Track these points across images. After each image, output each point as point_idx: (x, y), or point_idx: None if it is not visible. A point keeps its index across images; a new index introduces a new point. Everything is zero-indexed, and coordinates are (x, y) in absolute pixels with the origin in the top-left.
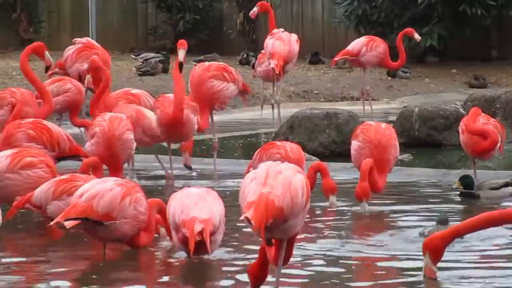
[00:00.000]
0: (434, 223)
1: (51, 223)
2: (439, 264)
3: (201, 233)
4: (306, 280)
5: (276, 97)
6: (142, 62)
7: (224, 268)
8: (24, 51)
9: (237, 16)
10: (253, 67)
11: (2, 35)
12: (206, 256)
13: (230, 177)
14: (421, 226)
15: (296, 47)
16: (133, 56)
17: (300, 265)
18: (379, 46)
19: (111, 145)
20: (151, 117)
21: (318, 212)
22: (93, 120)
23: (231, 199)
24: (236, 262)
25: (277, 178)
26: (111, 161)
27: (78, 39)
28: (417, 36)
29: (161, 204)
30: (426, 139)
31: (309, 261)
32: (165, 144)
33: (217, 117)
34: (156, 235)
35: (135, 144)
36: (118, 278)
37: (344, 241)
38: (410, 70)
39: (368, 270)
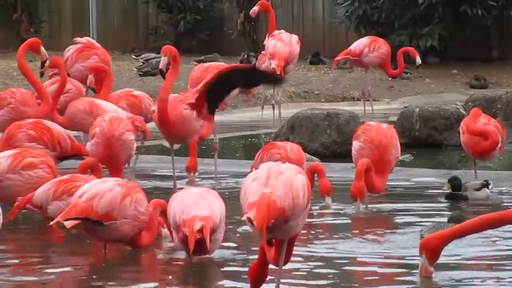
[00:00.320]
0: (431, 223)
1: (51, 222)
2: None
3: (200, 231)
4: (306, 280)
5: (276, 97)
6: (143, 62)
7: (224, 268)
8: (20, 49)
9: (237, 17)
10: None
11: (2, 35)
12: (206, 256)
13: (231, 177)
14: (421, 226)
15: (297, 48)
16: (134, 57)
17: (300, 264)
18: (382, 47)
19: (111, 146)
20: (106, 107)
21: (316, 212)
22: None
23: (231, 199)
24: (236, 262)
25: (278, 178)
26: (111, 161)
27: (78, 39)
28: (418, 60)
29: (165, 205)
30: (426, 139)
31: (309, 261)
32: (166, 144)
33: (218, 118)
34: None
35: (135, 144)
36: (119, 279)
37: (344, 241)
38: (411, 71)
39: (368, 270)
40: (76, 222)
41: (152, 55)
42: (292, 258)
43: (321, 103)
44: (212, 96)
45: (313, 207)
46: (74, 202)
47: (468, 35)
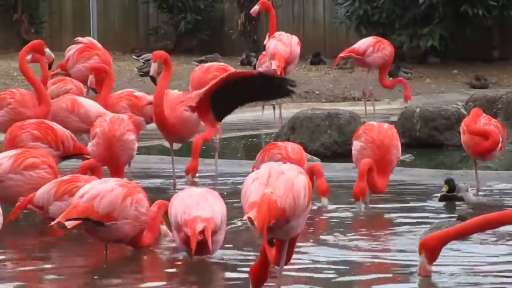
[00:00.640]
0: (435, 223)
1: (52, 223)
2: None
3: (202, 232)
4: (307, 280)
5: None
6: (143, 62)
7: (225, 268)
8: (22, 50)
9: (238, 17)
10: (254, 67)
11: (3, 35)
12: (207, 256)
13: (231, 177)
14: (422, 226)
15: (297, 49)
16: (135, 57)
17: (300, 265)
18: (386, 48)
19: (112, 146)
20: (88, 105)
21: (316, 212)
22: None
23: (232, 200)
24: (237, 263)
25: (279, 178)
26: (111, 161)
27: (80, 38)
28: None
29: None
30: (427, 139)
31: (309, 261)
32: (167, 144)
33: None
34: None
35: (136, 144)
36: (120, 279)
37: (344, 240)
38: (411, 71)
39: (368, 270)
40: (77, 222)
41: None
42: (293, 258)
43: (322, 103)
44: (219, 104)
45: (313, 207)
46: (75, 202)
47: (468, 35)
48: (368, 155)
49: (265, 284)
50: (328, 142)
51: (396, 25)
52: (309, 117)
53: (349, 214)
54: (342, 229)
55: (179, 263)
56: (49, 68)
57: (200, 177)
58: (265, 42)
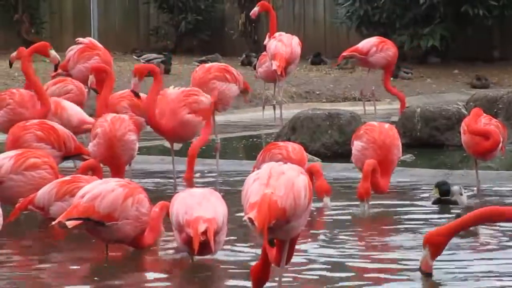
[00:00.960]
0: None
1: (53, 222)
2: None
3: (205, 233)
4: (307, 280)
5: (278, 98)
6: (144, 63)
7: (226, 268)
8: (27, 51)
9: (238, 17)
10: (254, 68)
11: (3, 36)
12: (208, 257)
13: (232, 177)
14: (422, 226)
15: (297, 49)
16: (135, 57)
17: (300, 265)
18: (389, 49)
19: (113, 146)
20: (71, 110)
21: (316, 212)
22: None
23: (233, 200)
24: (238, 263)
25: (280, 178)
26: (112, 162)
27: (80, 39)
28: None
29: None
30: (428, 139)
31: (310, 261)
32: (167, 144)
33: (219, 118)
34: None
35: (137, 144)
36: (120, 279)
37: (344, 240)
38: (412, 71)
39: (368, 269)
40: (78, 222)
41: (153, 55)
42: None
43: (323, 103)
44: None
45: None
46: (76, 202)
47: (469, 35)
48: (369, 155)
49: (266, 284)
50: (328, 142)
51: (396, 25)
52: (310, 117)
53: (349, 214)
54: (343, 229)
55: (180, 263)
56: (55, 69)
57: (200, 177)
58: (265, 42)
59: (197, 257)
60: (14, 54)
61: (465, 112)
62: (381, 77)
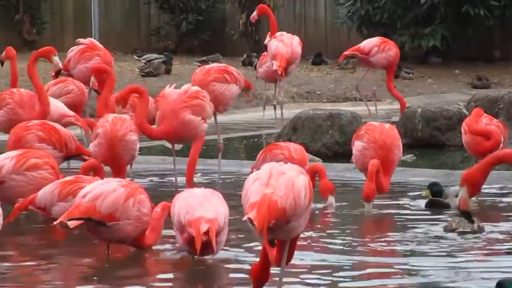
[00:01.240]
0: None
1: (55, 222)
2: None
3: (207, 233)
4: (307, 280)
5: (278, 98)
6: (145, 63)
7: (227, 268)
8: (32, 55)
9: (239, 17)
10: (255, 68)
11: (4, 36)
12: (208, 257)
13: (233, 177)
14: (422, 226)
15: (298, 49)
16: (136, 57)
17: (301, 265)
18: (391, 50)
19: (114, 146)
20: (53, 106)
21: (317, 212)
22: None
23: (234, 200)
24: (238, 263)
25: (280, 178)
26: (114, 162)
27: (81, 40)
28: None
29: None
30: (429, 139)
31: (310, 261)
32: (168, 145)
33: (220, 118)
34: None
35: (138, 145)
36: (121, 279)
37: (344, 240)
38: (413, 71)
39: (368, 269)
40: (79, 222)
41: (154, 55)
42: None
43: (323, 103)
44: None
45: (313, 208)
46: (78, 202)
47: (470, 35)
48: (370, 155)
49: (266, 284)
50: (329, 142)
51: (397, 25)
52: (311, 118)
53: (349, 214)
54: (343, 229)
55: (181, 263)
56: (57, 76)
57: (202, 177)
58: (266, 42)
59: (196, 257)
60: (3, 54)
61: (466, 112)
62: (382, 77)
